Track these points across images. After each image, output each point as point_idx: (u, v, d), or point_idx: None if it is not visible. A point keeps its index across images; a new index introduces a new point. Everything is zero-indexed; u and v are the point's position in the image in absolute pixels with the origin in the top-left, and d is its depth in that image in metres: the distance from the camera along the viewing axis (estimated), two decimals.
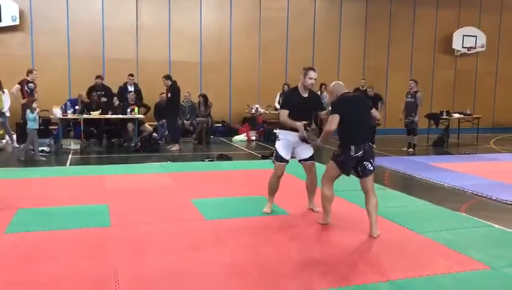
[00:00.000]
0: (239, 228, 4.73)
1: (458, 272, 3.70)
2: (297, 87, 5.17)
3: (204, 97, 12.45)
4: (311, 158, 5.20)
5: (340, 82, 4.82)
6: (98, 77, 11.35)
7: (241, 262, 3.82)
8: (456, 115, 13.18)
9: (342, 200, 5.90)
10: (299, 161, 5.26)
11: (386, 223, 4.99)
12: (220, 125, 13.31)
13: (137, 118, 10.79)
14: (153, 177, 7.24)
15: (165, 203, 5.66)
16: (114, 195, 6.03)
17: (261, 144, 11.97)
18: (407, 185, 7.46)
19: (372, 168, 4.47)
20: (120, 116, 10.80)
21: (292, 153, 5.23)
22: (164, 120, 11.31)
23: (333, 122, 4.44)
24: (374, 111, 4.73)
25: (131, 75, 11.63)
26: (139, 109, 10.98)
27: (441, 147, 11.94)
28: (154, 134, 11.38)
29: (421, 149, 11.23)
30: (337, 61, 14.77)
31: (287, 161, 5.16)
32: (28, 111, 8.77)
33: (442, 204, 5.82)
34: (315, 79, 5.04)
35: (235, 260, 3.89)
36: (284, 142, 5.13)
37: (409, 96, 10.85)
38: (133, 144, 10.67)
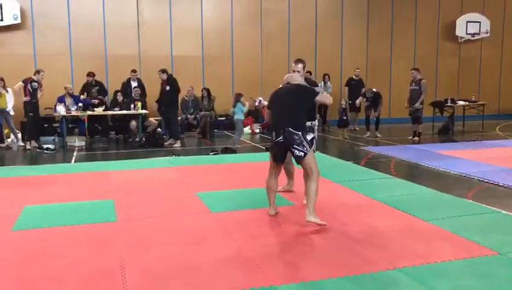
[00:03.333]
0: (244, 220, 4.73)
1: (465, 258, 3.68)
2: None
3: (207, 91, 12.44)
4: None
5: (290, 75, 4.97)
6: (91, 74, 11.48)
7: (247, 254, 3.82)
8: (461, 102, 13.09)
9: (347, 189, 5.90)
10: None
11: (392, 211, 4.99)
12: (224, 118, 13.29)
13: (141, 114, 10.78)
14: (158, 172, 7.25)
15: (170, 197, 5.66)
16: (119, 190, 6.04)
17: (265, 136, 11.92)
18: (413, 173, 7.43)
19: (300, 153, 4.48)
20: (124, 112, 10.81)
21: None
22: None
23: (267, 113, 4.93)
24: (320, 96, 4.75)
25: (134, 71, 11.64)
26: (142, 104, 10.96)
27: (446, 134, 11.87)
28: (159, 129, 11.37)
29: (426, 137, 11.17)
30: (340, 50, 14.68)
31: None
32: (239, 104, 9.93)
33: (449, 191, 5.79)
34: (298, 71, 5.04)
35: (241, 251, 3.88)
36: None
37: (413, 84, 10.79)
38: (137, 140, 10.67)
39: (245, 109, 10.18)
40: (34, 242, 4.15)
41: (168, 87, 10.31)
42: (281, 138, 4.55)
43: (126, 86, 11.44)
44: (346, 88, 13.26)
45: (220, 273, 3.44)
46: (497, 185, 6.25)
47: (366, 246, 4.01)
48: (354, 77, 13.22)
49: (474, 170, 7.08)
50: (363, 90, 12.36)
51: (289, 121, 4.55)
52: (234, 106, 10.18)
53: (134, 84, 11.46)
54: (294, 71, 5.06)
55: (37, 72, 10.13)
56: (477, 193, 5.90)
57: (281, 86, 5.03)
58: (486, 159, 8.03)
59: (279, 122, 4.60)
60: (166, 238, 4.20)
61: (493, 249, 3.84)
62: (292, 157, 4.82)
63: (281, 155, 4.74)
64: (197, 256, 3.76)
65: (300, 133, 4.50)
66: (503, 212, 4.92)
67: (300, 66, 5.04)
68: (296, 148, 4.50)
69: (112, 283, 3.27)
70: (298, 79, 4.92)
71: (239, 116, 10.08)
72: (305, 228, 4.48)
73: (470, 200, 5.45)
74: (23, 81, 9.88)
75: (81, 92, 11.35)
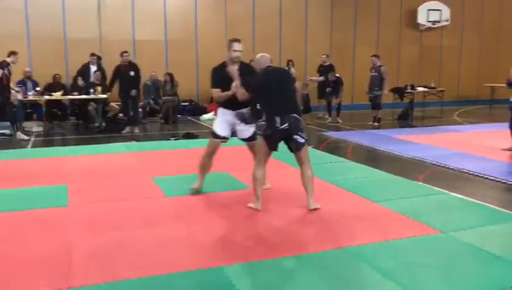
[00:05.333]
0: (199, 204, 4.75)
1: (409, 237, 3.80)
2: (225, 62, 4.92)
3: (170, 76, 12.29)
4: (251, 138, 4.92)
5: (265, 54, 4.69)
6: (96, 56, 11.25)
7: (196, 236, 3.84)
8: (421, 89, 13.38)
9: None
10: (241, 140, 5.09)
11: (343, 193, 5.11)
12: (187, 104, 13.19)
13: (101, 98, 10.57)
14: (116, 157, 7.16)
15: (126, 182, 5.61)
16: (74, 176, 5.94)
17: None
18: (369, 157, 7.59)
19: (303, 140, 4.43)
20: (84, 96, 10.57)
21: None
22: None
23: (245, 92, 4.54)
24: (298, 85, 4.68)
25: (93, 54, 11.36)
26: (102, 89, 10.72)
27: (405, 120, 12.11)
28: (120, 114, 11.18)
29: (386, 123, 11.39)
30: (305, 36, 14.73)
31: (222, 138, 4.91)
32: None
33: (401, 174, 5.95)
34: (241, 51, 4.80)
35: (191, 234, 3.90)
36: (221, 119, 4.94)
37: (373, 70, 10.95)
38: (97, 124, 10.47)
39: None
40: None
41: (132, 73, 10.09)
42: (286, 124, 4.32)
43: (85, 70, 11.16)
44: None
45: (166, 254, 3.45)
46: (448, 168, 6.45)
47: (314, 226, 4.10)
48: (322, 63, 13.11)
49: (428, 154, 7.28)
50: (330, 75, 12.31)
51: (292, 106, 4.43)
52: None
53: (94, 68, 11.20)
54: (235, 51, 4.75)
55: (13, 53, 9.16)
56: (429, 175, 6.08)
57: (269, 65, 4.66)
58: (441, 144, 8.26)
59: (284, 108, 4.36)
60: (118, 223, 4.18)
61: (436, 228, 3.99)
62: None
63: (278, 142, 4.46)
64: (146, 239, 3.76)
65: (301, 119, 4.46)
66: (450, 193, 5.08)
67: (241, 45, 4.78)
68: (299, 135, 4.39)
69: (56, 267, 3.23)
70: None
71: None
72: (258, 211, 4.52)
73: (420, 183, 5.61)
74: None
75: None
